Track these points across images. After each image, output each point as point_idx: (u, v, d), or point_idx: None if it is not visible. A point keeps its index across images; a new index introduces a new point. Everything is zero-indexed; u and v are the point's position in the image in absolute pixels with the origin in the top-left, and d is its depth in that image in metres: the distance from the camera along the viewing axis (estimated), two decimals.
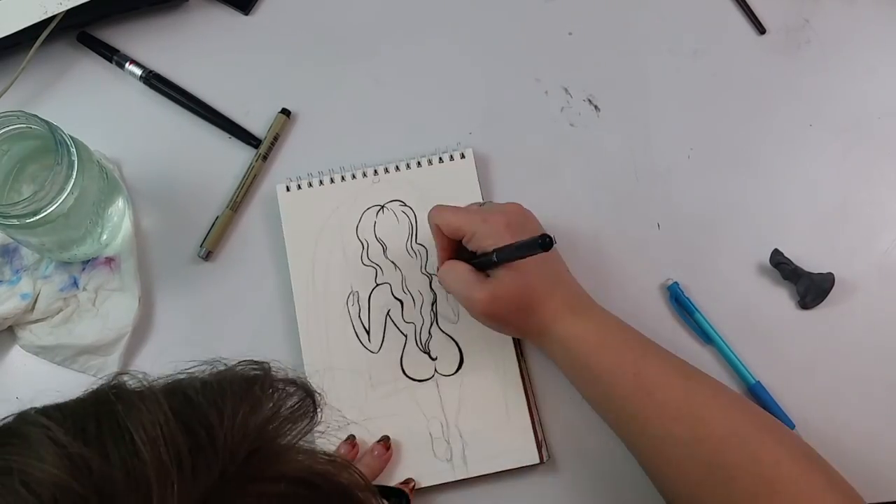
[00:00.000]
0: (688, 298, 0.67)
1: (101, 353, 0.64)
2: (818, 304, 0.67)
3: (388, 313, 0.66)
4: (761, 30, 0.74)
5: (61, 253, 0.64)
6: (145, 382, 0.33)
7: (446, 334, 0.66)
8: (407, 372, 0.65)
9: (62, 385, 0.65)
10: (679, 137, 0.72)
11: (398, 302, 0.66)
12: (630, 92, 0.73)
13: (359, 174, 0.68)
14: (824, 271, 0.67)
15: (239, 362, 0.36)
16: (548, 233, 0.53)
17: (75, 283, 0.65)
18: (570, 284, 0.62)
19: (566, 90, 0.73)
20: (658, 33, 0.74)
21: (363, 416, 0.63)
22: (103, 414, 0.30)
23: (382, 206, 0.68)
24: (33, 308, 0.64)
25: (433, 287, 0.67)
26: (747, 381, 0.65)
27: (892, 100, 0.73)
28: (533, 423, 0.64)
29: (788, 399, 0.65)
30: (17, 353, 0.66)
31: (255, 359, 0.36)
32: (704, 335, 0.66)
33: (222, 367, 0.35)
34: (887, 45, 0.74)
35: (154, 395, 0.32)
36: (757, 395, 0.65)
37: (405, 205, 0.68)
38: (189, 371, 0.35)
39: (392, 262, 0.67)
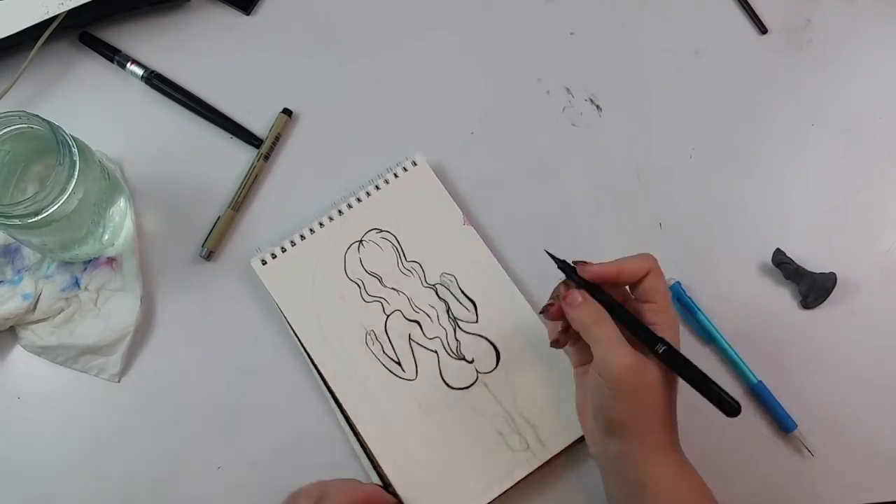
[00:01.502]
0: (690, 298, 0.67)
1: (103, 354, 0.64)
2: (820, 303, 0.67)
3: (409, 338, 0.65)
4: (763, 30, 0.74)
5: (63, 253, 0.64)
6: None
7: (473, 334, 0.66)
8: (451, 384, 0.64)
9: (64, 385, 0.65)
10: (681, 137, 0.72)
11: (414, 324, 0.66)
12: (631, 92, 0.73)
13: (325, 220, 0.67)
14: (826, 271, 0.67)
15: None
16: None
17: (77, 283, 0.65)
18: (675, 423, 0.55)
19: (568, 90, 0.73)
20: (659, 33, 0.74)
21: (427, 443, 0.62)
22: None
23: (360, 241, 0.67)
24: (35, 308, 0.64)
25: (441, 296, 0.66)
26: (749, 380, 0.65)
27: (893, 100, 0.73)
28: None
29: (790, 398, 0.65)
30: (18, 354, 0.65)
31: None
32: (706, 335, 0.66)
33: None
34: (888, 45, 0.75)
35: None
36: (759, 394, 0.65)
37: (381, 230, 0.67)
38: None
39: (392, 288, 0.66)
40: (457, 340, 0.65)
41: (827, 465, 0.64)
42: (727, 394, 0.51)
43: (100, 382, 0.65)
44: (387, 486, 0.62)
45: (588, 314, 0.53)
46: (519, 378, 0.64)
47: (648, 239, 0.69)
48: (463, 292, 0.66)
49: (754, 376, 0.65)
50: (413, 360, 0.65)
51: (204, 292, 0.67)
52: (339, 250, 0.67)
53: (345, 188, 0.69)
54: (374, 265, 0.67)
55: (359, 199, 0.68)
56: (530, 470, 0.62)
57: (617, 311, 0.53)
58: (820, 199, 0.71)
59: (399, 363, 0.65)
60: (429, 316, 0.66)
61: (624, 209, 0.70)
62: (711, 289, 0.68)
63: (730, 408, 0.49)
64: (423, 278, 0.67)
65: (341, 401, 0.64)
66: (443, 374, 0.65)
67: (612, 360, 0.51)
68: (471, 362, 0.65)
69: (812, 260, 0.68)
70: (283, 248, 0.67)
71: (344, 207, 0.68)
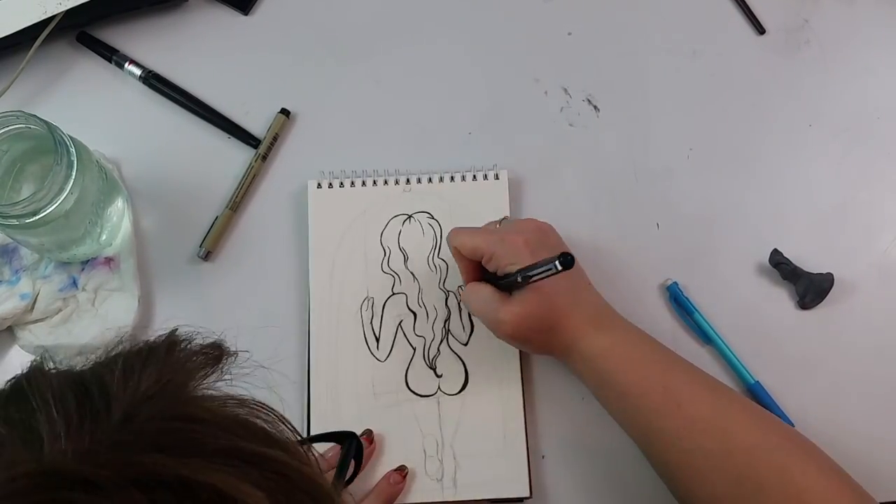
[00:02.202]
0: (687, 298, 0.67)
1: None
2: (817, 304, 0.67)
3: (400, 324, 0.66)
4: (761, 30, 0.74)
5: (60, 253, 0.64)
6: (57, 363, 0.36)
7: (455, 353, 0.66)
8: (410, 385, 0.65)
9: None
10: (678, 137, 0.72)
11: (412, 314, 0.66)
12: (629, 92, 0.73)
13: (391, 181, 0.68)
14: (823, 271, 0.67)
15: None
16: (567, 250, 0.51)
17: (74, 283, 0.65)
18: (591, 298, 0.61)
19: (565, 90, 0.73)
20: (657, 33, 0.74)
21: (361, 422, 0.63)
22: (14, 387, 0.34)
23: (410, 216, 0.68)
24: (32, 308, 0.64)
25: (448, 304, 0.66)
26: (746, 381, 0.65)
27: (892, 100, 0.73)
28: (528, 456, 0.63)
29: (787, 399, 0.65)
30: (16, 354, 0.66)
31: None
32: (704, 335, 0.66)
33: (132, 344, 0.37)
34: (887, 45, 0.74)
35: (57, 368, 0.34)
36: (756, 394, 0.65)
37: (432, 217, 0.68)
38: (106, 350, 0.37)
39: (411, 273, 0.67)
40: (438, 351, 0.66)
41: None
42: (552, 258, 0.53)
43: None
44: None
45: (467, 301, 0.63)
46: (471, 415, 0.64)
47: (646, 239, 0.69)
48: (469, 313, 0.66)
49: (752, 376, 0.65)
50: (391, 344, 0.65)
51: (202, 292, 0.68)
52: (387, 214, 0.68)
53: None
54: (408, 243, 0.67)
55: (429, 180, 0.68)
56: (428, 501, 0.62)
57: (495, 284, 0.60)
58: (818, 199, 0.71)
59: (378, 340, 0.65)
60: (427, 315, 0.66)
61: (621, 209, 0.70)
62: (708, 289, 0.68)
63: (563, 260, 0.51)
64: (442, 279, 0.67)
65: (312, 346, 0.65)
66: (409, 372, 0.65)
67: (498, 328, 0.60)
68: (439, 377, 0.65)
69: (810, 260, 0.68)
70: (341, 182, 0.68)
71: (413, 178, 0.68)
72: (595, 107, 0.73)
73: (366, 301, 0.66)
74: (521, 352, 0.65)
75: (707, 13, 0.75)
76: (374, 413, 0.64)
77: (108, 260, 0.66)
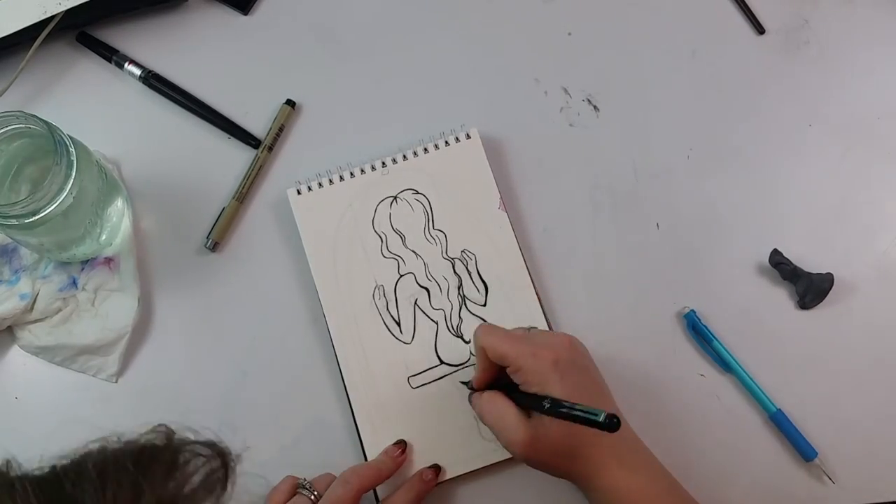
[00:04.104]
0: (705, 326, 0.66)
1: (100, 353, 0.64)
2: (817, 304, 0.67)
3: (415, 303, 0.66)
4: (760, 30, 0.74)
5: (60, 253, 0.64)
6: (22, 471, 0.31)
7: (476, 316, 0.66)
8: (443, 358, 0.65)
9: (61, 385, 0.65)
10: (678, 137, 0.72)
11: (424, 290, 0.66)
12: (629, 92, 0.73)
13: (367, 168, 0.69)
14: (823, 271, 0.67)
15: (142, 434, 0.33)
16: (614, 412, 0.49)
17: (74, 283, 0.65)
18: (621, 431, 0.57)
19: (565, 90, 0.73)
20: (657, 33, 0.74)
21: (406, 409, 0.64)
22: None
23: (395, 197, 0.68)
24: (32, 308, 0.64)
25: (456, 271, 0.67)
26: (768, 409, 0.64)
27: (891, 100, 0.73)
28: None
29: (787, 399, 0.65)
30: (16, 354, 0.66)
31: (159, 426, 0.33)
32: (723, 364, 0.66)
33: (118, 444, 0.32)
34: (886, 45, 0.74)
35: (26, 488, 0.30)
36: (778, 423, 0.64)
37: (418, 192, 0.68)
38: (86, 449, 0.32)
39: (412, 251, 0.67)
40: (459, 318, 0.66)
41: (825, 465, 0.64)
42: (596, 416, 0.49)
43: (98, 382, 0.65)
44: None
45: (483, 413, 0.59)
46: None
47: (645, 239, 0.69)
48: (479, 273, 0.67)
49: (773, 405, 0.64)
50: (413, 324, 0.66)
51: (206, 288, 0.68)
52: (373, 201, 0.68)
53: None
54: (401, 223, 0.68)
55: (404, 157, 0.69)
56: (492, 462, 0.63)
57: (513, 396, 0.58)
58: (817, 199, 0.71)
59: (399, 324, 0.66)
60: (440, 287, 0.67)
61: (621, 210, 0.70)
62: (708, 289, 0.68)
63: (609, 423, 0.48)
64: (444, 249, 0.67)
65: (336, 348, 0.65)
66: (437, 346, 0.65)
67: (511, 447, 0.57)
68: (467, 342, 0.66)
69: (809, 260, 0.68)
70: (319, 183, 0.68)
71: (388, 160, 0.69)
72: (595, 107, 0.73)
73: (376, 290, 0.66)
74: (541, 300, 0.66)
75: (707, 13, 0.75)
76: (415, 394, 0.64)
77: (108, 260, 0.66)
